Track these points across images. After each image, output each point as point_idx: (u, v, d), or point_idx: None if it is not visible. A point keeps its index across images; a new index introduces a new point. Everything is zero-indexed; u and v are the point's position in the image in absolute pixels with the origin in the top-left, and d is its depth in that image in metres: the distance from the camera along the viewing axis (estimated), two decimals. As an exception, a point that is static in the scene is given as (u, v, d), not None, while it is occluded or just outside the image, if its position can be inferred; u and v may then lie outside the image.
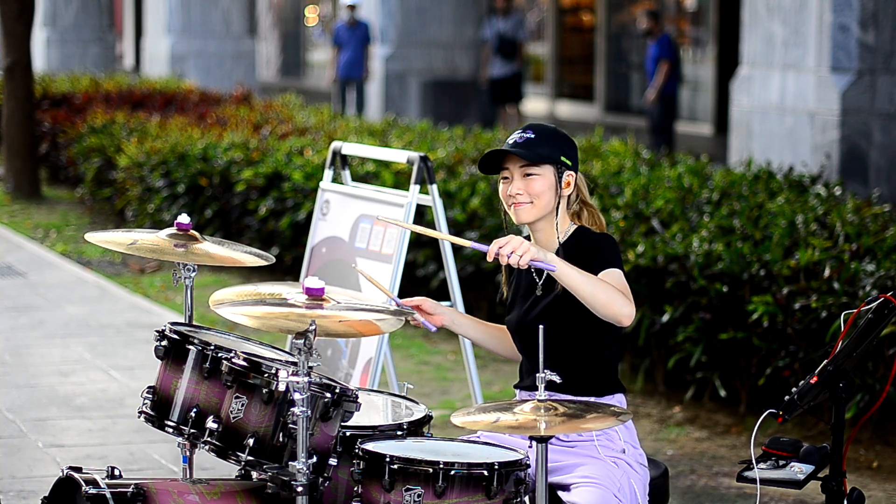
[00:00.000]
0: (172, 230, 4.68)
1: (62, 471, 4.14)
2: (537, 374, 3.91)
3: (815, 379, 4.04)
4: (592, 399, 4.29)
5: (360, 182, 7.98)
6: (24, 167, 15.27)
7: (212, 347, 4.16)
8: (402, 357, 8.76)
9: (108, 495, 4.01)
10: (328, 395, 4.03)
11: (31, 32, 15.21)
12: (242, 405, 4.07)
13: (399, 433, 4.21)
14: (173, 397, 4.22)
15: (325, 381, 4.15)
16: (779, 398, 6.72)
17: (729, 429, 7.39)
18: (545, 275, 4.30)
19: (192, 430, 4.14)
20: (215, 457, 4.11)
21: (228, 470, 4.44)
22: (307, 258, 6.59)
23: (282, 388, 3.95)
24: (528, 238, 4.42)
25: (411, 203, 6.15)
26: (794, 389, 4.06)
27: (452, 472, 3.89)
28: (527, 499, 3.99)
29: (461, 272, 8.52)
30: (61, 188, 15.86)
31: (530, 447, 4.07)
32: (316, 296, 3.99)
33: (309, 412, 3.92)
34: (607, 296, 4.06)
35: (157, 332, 4.32)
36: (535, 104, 23.47)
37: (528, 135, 4.30)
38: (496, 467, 3.92)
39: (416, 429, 4.27)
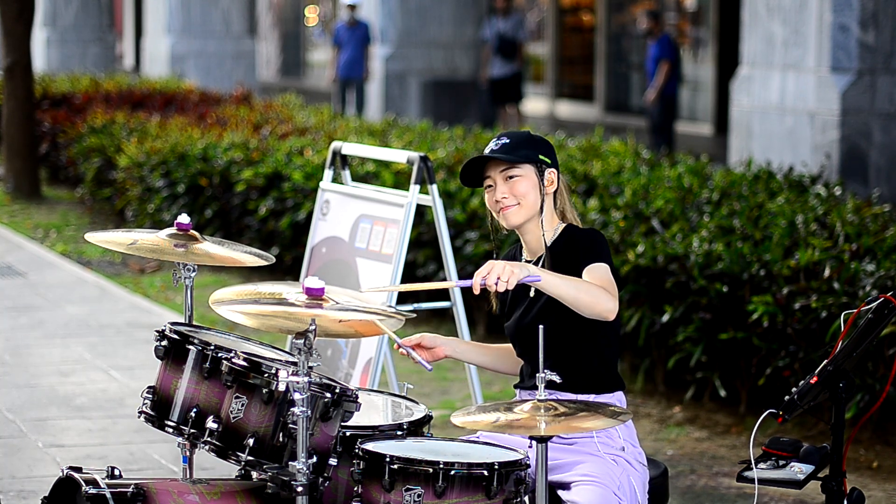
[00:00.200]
0: (172, 230, 4.68)
1: (62, 471, 4.14)
2: (537, 374, 3.92)
3: (815, 379, 4.04)
4: (592, 397, 4.30)
5: (360, 182, 7.98)
6: (24, 167, 15.27)
7: (212, 347, 4.16)
8: (402, 357, 8.73)
9: (108, 495, 4.01)
10: (328, 395, 4.03)
11: (31, 32, 15.21)
12: (242, 405, 4.07)
13: (399, 433, 4.21)
14: (173, 397, 4.21)
15: (325, 381, 4.15)
16: (779, 398, 6.72)
17: (729, 429, 7.39)
18: None
19: (192, 430, 4.14)
20: (215, 457, 4.11)
21: (228, 470, 4.44)
22: (307, 258, 6.59)
23: (282, 388, 3.95)
24: (519, 246, 4.45)
25: (411, 203, 6.15)
26: (794, 389, 4.06)
27: (452, 472, 3.89)
28: (527, 498, 3.99)
29: (461, 272, 8.52)
30: (61, 188, 15.86)
31: (530, 447, 4.07)
32: (316, 296, 3.99)
33: (309, 412, 3.92)
34: (590, 296, 4.09)
35: (157, 332, 4.32)
36: (535, 104, 23.47)
37: (502, 141, 4.37)
38: (496, 467, 3.92)
39: (416, 429, 4.27)
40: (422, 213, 8.90)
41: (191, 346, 4.21)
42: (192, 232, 4.68)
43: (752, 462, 4.19)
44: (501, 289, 4.01)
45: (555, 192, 4.39)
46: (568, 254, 4.27)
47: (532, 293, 4.35)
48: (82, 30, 24.95)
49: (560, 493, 4.17)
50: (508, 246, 4.64)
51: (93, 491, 4.01)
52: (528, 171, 4.34)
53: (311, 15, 33.12)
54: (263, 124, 13.25)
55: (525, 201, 4.32)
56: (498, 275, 4.00)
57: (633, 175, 9.31)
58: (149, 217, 12.29)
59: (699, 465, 6.86)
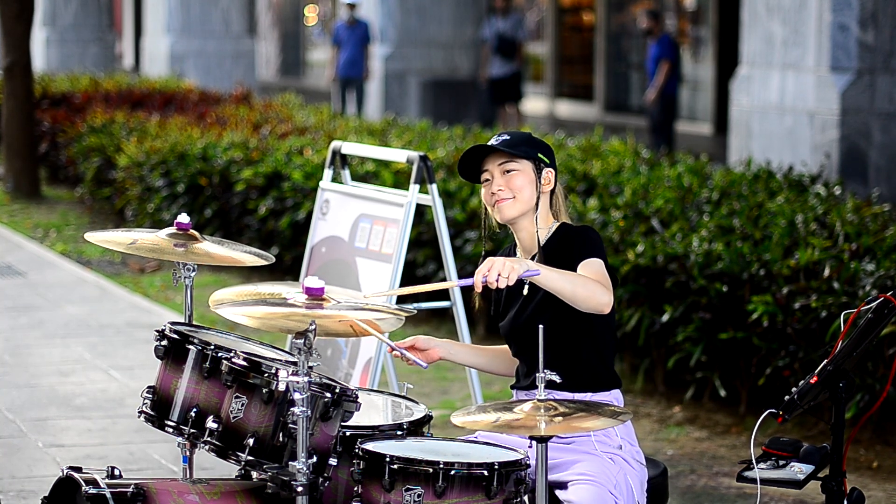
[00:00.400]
0: (172, 230, 4.68)
1: (62, 471, 4.14)
2: (537, 374, 3.92)
3: (815, 379, 4.04)
4: (589, 395, 4.31)
5: (359, 182, 7.98)
6: (24, 167, 15.27)
7: (212, 347, 4.16)
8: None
9: (108, 495, 4.01)
10: (328, 394, 4.02)
11: (30, 32, 15.21)
12: (242, 405, 4.07)
13: (399, 433, 4.21)
14: (173, 397, 4.21)
15: (325, 380, 4.15)
16: (779, 398, 6.72)
17: (729, 429, 7.39)
18: None
19: (192, 430, 4.14)
20: (215, 457, 4.11)
21: (228, 470, 4.44)
22: (307, 258, 6.59)
23: (282, 387, 3.95)
24: (513, 245, 4.46)
25: (411, 202, 6.15)
26: (794, 389, 4.06)
27: (452, 472, 3.89)
28: (526, 498, 3.99)
29: (461, 272, 8.51)
30: (61, 188, 15.86)
31: (530, 447, 4.07)
32: (316, 295, 3.99)
33: (309, 412, 3.92)
34: (587, 290, 4.12)
35: (157, 331, 4.32)
36: (535, 104, 23.46)
37: (503, 137, 4.40)
38: (496, 467, 3.92)
39: (416, 429, 4.27)
40: (421, 212, 8.90)
41: (191, 346, 4.21)
42: (192, 231, 4.67)
43: (753, 462, 4.19)
44: (503, 285, 4.01)
45: (551, 193, 4.41)
46: (562, 250, 4.29)
47: (526, 291, 4.36)
48: (82, 29, 24.95)
49: (557, 492, 4.17)
50: (506, 245, 4.65)
51: (93, 491, 4.01)
52: (526, 167, 4.36)
53: (311, 14, 33.12)
54: (263, 124, 13.25)
55: (520, 195, 4.34)
56: (498, 271, 4.01)
57: (632, 175, 9.31)
58: (148, 217, 12.29)
59: (699, 465, 6.86)
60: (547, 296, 4.25)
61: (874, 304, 4.10)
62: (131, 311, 9.95)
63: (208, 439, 4.09)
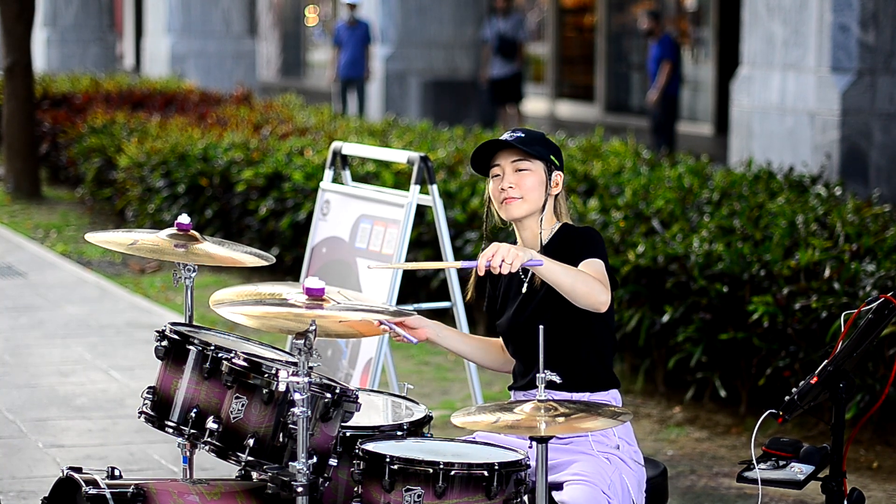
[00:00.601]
0: (173, 230, 4.68)
1: (62, 471, 4.14)
2: (537, 374, 3.92)
3: (815, 379, 4.04)
4: (587, 395, 4.31)
5: (360, 182, 7.98)
6: (25, 167, 15.27)
7: (212, 347, 4.16)
8: (403, 357, 8.76)
9: (108, 495, 4.01)
10: (328, 395, 4.03)
11: (31, 32, 15.21)
12: (242, 405, 4.07)
13: (399, 433, 4.21)
14: (173, 397, 4.21)
15: (325, 381, 4.15)
16: (779, 398, 6.72)
17: (729, 429, 7.39)
18: (530, 273, 4.34)
19: (192, 431, 4.14)
20: (215, 457, 4.11)
21: (228, 470, 4.44)
22: (307, 258, 6.59)
23: (282, 388, 3.95)
24: (514, 241, 4.46)
25: (411, 203, 6.15)
26: (794, 390, 4.06)
27: (452, 473, 3.89)
28: (526, 498, 3.99)
29: (461, 271, 8.51)
30: (61, 188, 15.86)
31: (530, 447, 4.07)
32: (316, 296, 3.99)
33: (309, 412, 3.92)
34: (587, 286, 4.12)
35: (158, 332, 4.32)
36: (536, 104, 23.46)
37: (518, 134, 4.40)
38: (496, 468, 3.92)
39: (416, 429, 4.27)
40: (422, 213, 8.90)
41: (191, 347, 4.21)
42: (193, 232, 4.67)
43: (753, 462, 4.19)
44: (505, 271, 4.01)
45: (556, 195, 4.41)
46: (564, 250, 4.29)
47: (524, 290, 4.36)
48: (82, 30, 24.95)
49: (553, 493, 4.16)
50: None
51: (93, 491, 4.01)
52: (538, 168, 4.36)
53: (312, 15, 33.12)
54: (264, 124, 13.25)
55: (529, 196, 4.34)
56: (503, 257, 4.01)
57: (633, 175, 9.31)
58: (149, 217, 12.29)
59: (699, 465, 6.86)
60: (547, 296, 4.25)
61: (874, 304, 4.10)
62: (131, 312, 9.96)
63: (208, 440, 4.09)
